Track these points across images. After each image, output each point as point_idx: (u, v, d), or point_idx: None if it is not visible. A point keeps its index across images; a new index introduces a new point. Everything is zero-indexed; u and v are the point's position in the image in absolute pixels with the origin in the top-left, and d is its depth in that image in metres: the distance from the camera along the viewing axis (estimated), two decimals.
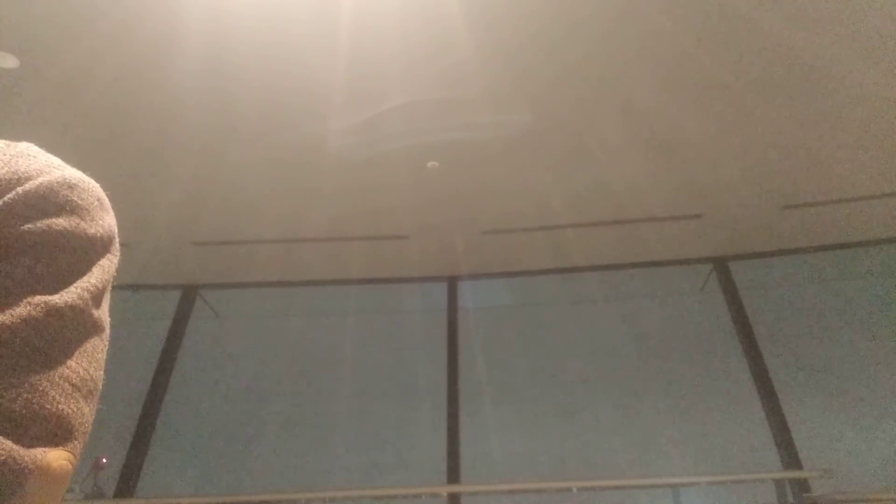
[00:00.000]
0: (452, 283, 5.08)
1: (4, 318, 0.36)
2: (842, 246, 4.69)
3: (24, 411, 0.35)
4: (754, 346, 4.39)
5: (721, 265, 4.86)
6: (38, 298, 0.38)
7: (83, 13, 2.61)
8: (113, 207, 0.48)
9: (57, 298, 0.39)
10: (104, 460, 4.10)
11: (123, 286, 4.94)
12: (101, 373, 0.43)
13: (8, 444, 0.34)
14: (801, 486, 3.73)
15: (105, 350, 0.44)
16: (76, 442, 0.39)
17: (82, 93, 3.07)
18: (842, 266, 4.70)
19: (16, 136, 0.48)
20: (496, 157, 3.71)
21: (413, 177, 3.88)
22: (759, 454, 3.98)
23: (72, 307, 0.40)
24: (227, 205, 4.07)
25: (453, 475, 4.05)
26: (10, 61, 2.83)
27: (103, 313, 0.44)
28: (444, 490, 3.95)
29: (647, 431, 4.23)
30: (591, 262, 4.96)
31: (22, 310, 0.37)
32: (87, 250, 0.43)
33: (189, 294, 5.01)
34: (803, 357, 4.36)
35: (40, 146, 0.47)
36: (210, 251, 4.59)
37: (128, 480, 4.09)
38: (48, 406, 0.36)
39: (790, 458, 3.88)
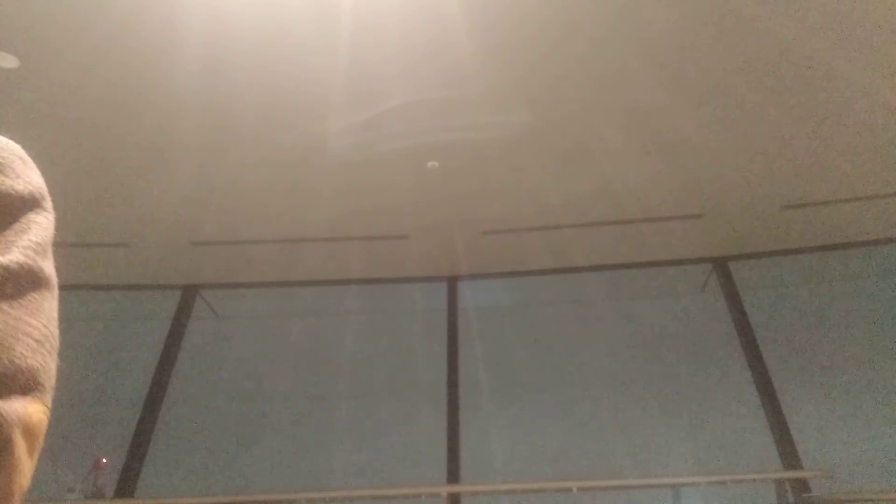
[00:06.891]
0: (452, 283, 5.08)
1: None
2: (842, 246, 4.69)
3: None
4: (754, 346, 4.38)
5: (721, 265, 4.85)
6: None
7: (83, 13, 2.62)
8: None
9: (2, 258, 0.39)
10: (104, 460, 4.10)
11: (123, 286, 4.94)
12: (57, 330, 0.43)
13: None
14: (801, 486, 3.73)
15: (56, 308, 0.44)
16: (47, 395, 0.39)
17: (82, 93, 3.07)
18: (842, 266, 4.69)
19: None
20: (496, 157, 3.71)
21: (413, 177, 3.88)
22: (759, 454, 3.98)
23: (21, 265, 0.39)
24: (227, 205, 4.07)
25: (453, 475, 4.05)
26: (10, 61, 2.83)
27: (51, 269, 0.44)
28: (444, 490, 3.94)
29: (648, 431, 4.23)
30: (591, 262, 4.95)
31: None
32: (19, 207, 0.42)
33: (189, 294, 5.01)
34: (803, 357, 4.36)
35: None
36: (210, 251, 4.59)
37: (128, 480, 4.09)
38: (17, 361, 0.36)
39: (790, 458, 3.87)
